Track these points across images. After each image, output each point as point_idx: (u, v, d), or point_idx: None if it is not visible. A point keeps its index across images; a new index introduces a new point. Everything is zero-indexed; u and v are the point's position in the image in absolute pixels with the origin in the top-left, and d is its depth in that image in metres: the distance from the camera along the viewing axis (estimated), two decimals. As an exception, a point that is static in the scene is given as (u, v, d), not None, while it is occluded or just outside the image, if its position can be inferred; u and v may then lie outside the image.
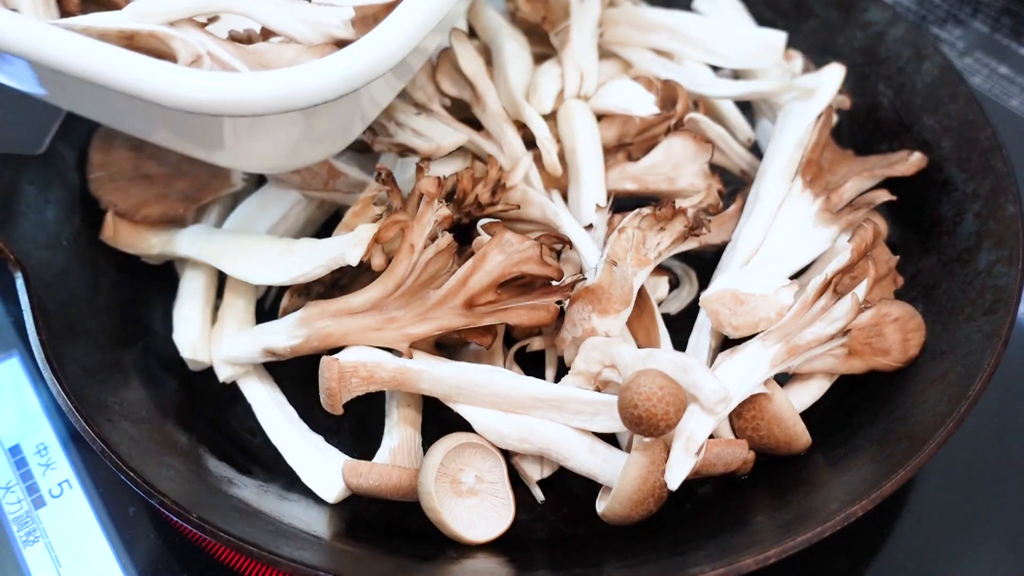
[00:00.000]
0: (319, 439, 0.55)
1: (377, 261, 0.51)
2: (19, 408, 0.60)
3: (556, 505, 0.52)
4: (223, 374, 0.57)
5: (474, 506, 0.50)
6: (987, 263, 0.55)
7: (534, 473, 0.52)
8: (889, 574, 0.53)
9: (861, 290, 0.51)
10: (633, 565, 0.47)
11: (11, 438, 0.59)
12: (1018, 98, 0.79)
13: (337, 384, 0.50)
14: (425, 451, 0.50)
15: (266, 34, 0.49)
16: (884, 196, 0.59)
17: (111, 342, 0.56)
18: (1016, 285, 0.52)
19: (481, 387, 0.50)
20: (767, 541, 0.44)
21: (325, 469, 0.52)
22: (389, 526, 0.51)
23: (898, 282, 0.56)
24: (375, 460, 0.52)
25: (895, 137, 0.65)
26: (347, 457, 0.51)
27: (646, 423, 0.45)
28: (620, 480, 0.47)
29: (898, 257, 0.55)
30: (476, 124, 0.61)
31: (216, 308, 0.60)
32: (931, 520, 0.55)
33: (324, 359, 0.50)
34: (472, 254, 0.51)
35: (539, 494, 0.52)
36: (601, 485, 0.51)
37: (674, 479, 0.48)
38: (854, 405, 0.50)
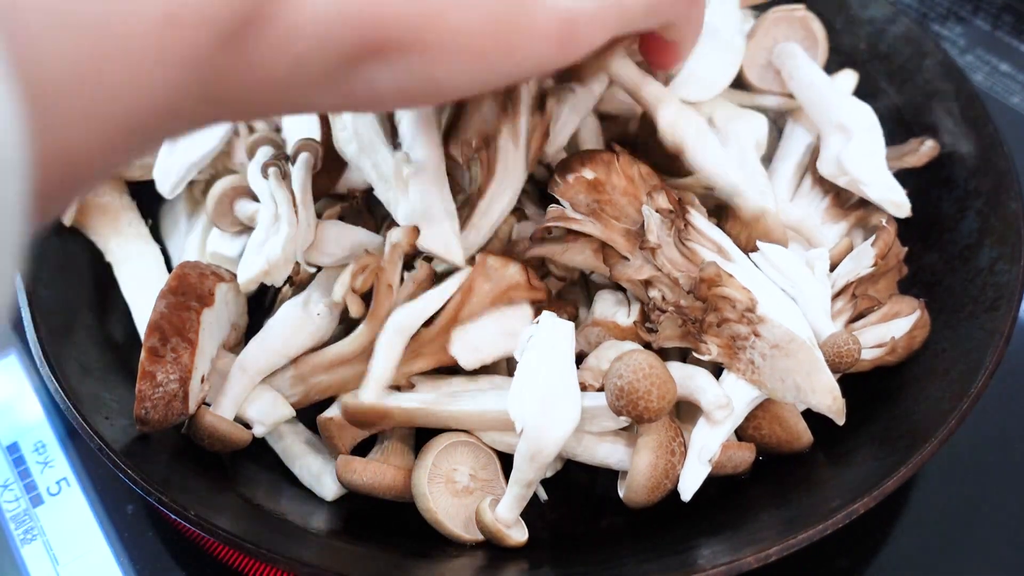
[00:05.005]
0: (315, 437, 0.54)
1: (354, 308, 0.50)
2: (17, 406, 0.60)
3: (557, 503, 0.52)
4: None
5: (471, 505, 0.49)
6: (989, 260, 0.55)
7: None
8: (890, 572, 0.53)
9: (899, 328, 0.51)
10: (635, 563, 0.47)
11: (9, 436, 0.59)
12: (1019, 95, 0.79)
13: (338, 439, 0.51)
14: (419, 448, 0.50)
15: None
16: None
17: (109, 340, 0.56)
18: (1018, 282, 0.52)
19: (473, 417, 0.50)
20: (768, 539, 0.44)
21: (322, 467, 0.52)
22: (388, 523, 0.50)
23: (903, 271, 0.56)
24: (369, 457, 0.52)
25: (895, 135, 0.65)
26: (343, 454, 0.51)
27: (626, 396, 0.44)
28: (632, 469, 0.47)
29: (906, 248, 0.55)
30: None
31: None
32: (932, 518, 0.55)
33: (319, 419, 0.51)
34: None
35: (543, 493, 0.52)
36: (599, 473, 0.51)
37: (687, 490, 0.47)
38: (855, 402, 0.50)
